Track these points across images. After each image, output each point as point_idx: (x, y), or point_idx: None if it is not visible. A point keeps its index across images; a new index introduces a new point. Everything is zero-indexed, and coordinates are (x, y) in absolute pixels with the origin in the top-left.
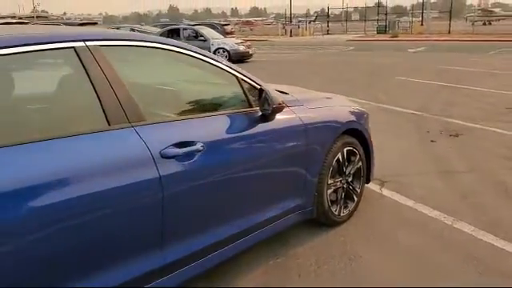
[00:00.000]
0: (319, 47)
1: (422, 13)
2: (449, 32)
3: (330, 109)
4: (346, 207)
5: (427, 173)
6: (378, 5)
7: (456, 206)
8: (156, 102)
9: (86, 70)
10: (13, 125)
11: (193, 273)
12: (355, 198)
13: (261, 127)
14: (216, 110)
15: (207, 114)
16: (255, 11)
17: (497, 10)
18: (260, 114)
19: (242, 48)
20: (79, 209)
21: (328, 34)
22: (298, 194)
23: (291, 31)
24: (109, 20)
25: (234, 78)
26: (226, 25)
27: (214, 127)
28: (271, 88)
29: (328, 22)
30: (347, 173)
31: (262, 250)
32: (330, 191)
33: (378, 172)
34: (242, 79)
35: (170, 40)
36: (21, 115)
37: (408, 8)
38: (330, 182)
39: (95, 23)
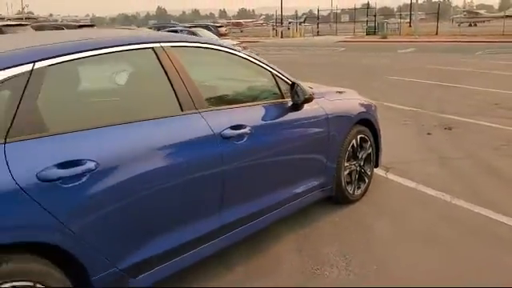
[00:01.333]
0: (311, 48)
1: (410, 14)
2: (436, 33)
3: (346, 101)
4: (358, 188)
5: (426, 160)
6: (368, 6)
7: (453, 186)
8: (212, 93)
9: (162, 65)
10: (117, 109)
11: (240, 236)
12: (366, 180)
13: (292, 115)
14: (256, 100)
15: (250, 103)
16: (244, 13)
17: (482, 11)
18: (290, 104)
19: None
20: (163, 176)
21: (318, 35)
22: (321, 173)
23: (282, 32)
24: (96, 22)
25: (270, 74)
26: (220, 26)
27: (256, 114)
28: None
29: (318, 23)
30: (360, 157)
31: (290, 222)
32: (345, 173)
33: (382, 160)
34: (276, 75)
35: (221, 42)
36: (119, 102)
37: (395, 10)
38: (346, 164)
39: (93, 25)
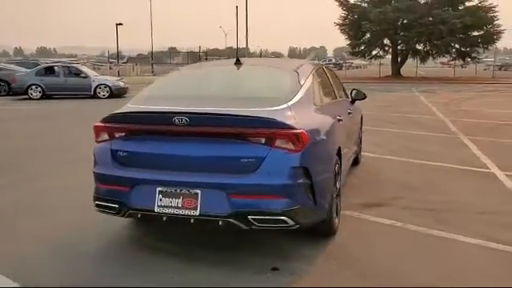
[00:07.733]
0: None
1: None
2: None
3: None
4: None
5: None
6: (199, 49)
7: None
8: (335, 91)
9: (326, 74)
10: (329, 93)
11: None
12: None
13: (351, 106)
14: (342, 97)
15: (343, 98)
16: (44, 51)
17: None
18: (350, 100)
19: (121, 84)
20: (344, 123)
21: (154, 74)
22: (357, 143)
23: (119, 72)
24: None
25: (340, 84)
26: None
27: (348, 104)
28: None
29: (152, 64)
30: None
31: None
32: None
33: None
34: (343, 86)
35: (328, 66)
36: (327, 90)
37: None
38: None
39: None
